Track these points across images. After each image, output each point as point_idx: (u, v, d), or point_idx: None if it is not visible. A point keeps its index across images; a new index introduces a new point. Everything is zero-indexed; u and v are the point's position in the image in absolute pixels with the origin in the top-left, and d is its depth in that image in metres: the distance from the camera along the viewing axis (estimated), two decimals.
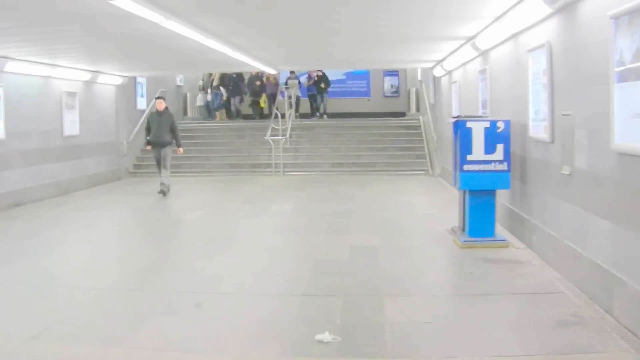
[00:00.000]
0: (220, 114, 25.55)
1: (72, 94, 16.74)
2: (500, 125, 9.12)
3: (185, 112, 26.48)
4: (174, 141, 15.35)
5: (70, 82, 16.68)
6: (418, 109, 25.01)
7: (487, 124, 9.15)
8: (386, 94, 27.53)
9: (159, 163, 15.40)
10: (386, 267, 8.18)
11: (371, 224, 11.30)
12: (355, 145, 21.13)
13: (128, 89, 20.24)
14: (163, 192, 15.13)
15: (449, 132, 16.99)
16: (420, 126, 21.83)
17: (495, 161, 9.09)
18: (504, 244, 9.19)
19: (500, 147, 9.10)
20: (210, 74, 25.24)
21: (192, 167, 20.41)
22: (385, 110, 25.97)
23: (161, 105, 15.26)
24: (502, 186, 9.26)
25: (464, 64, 14.59)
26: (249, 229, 11.22)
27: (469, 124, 9.17)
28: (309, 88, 24.80)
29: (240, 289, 7.39)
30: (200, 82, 26.12)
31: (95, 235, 10.82)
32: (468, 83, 14.20)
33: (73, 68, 16.38)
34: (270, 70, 19.58)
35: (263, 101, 25.23)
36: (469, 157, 9.11)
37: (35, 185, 14.99)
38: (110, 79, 18.73)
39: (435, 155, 19.72)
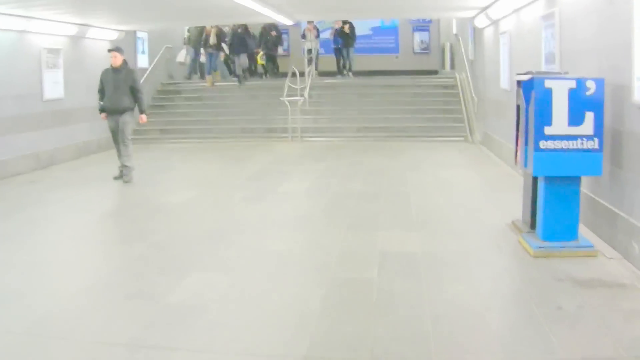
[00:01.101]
0: (211, 78, 20.57)
1: (54, 51, 14.18)
2: (591, 86, 6.38)
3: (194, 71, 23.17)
4: (136, 106, 11.85)
5: (51, 38, 14.09)
6: (453, 66, 22.20)
7: (573, 84, 6.40)
8: (416, 51, 24.94)
9: (115, 137, 11.75)
10: (434, 296, 5.51)
11: (407, 214, 8.67)
12: (384, 106, 18.40)
13: (126, 46, 17.55)
14: (124, 178, 11.40)
15: (496, 93, 14.53)
16: (456, 85, 19.06)
17: (582, 136, 6.36)
18: (590, 251, 6.52)
19: (589, 117, 6.34)
20: (203, 30, 20.77)
21: (199, 131, 17.86)
22: (414, 68, 23.24)
23: (117, 59, 11.56)
24: (592, 171, 6.52)
25: (517, 9, 11.81)
26: (247, 220, 8.59)
27: (548, 84, 6.40)
28: (334, 40, 21.84)
29: (209, 342, 4.72)
30: (186, 34, 21.50)
31: (45, 232, 8.23)
32: (524, 33, 11.43)
33: (54, 21, 13.81)
34: (285, 21, 16.83)
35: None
36: (548, 131, 6.37)
37: (6, 158, 12.55)
38: (103, 33, 16.12)
39: (474, 119, 17.01)
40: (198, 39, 20.73)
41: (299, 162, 13.59)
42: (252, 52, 21.05)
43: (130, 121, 11.91)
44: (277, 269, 6.44)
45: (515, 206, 7.92)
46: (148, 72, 18.68)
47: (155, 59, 19.37)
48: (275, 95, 18.19)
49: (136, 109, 11.94)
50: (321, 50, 22.21)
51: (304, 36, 21.13)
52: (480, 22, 15.43)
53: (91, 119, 15.76)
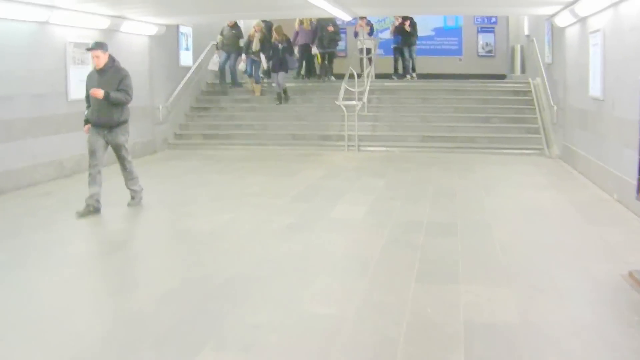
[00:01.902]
0: (254, 86, 18.00)
1: (81, 46, 12.49)
2: None
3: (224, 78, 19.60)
4: (125, 119, 9.42)
5: (79, 30, 12.42)
6: (524, 70, 20.02)
7: None
8: (480, 53, 22.82)
9: (94, 157, 9.07)
10: None
11: (492, 258, 6.63)
12: (449, 113, 16.33)
13: (167, 41, 15.88)
14: (131, 202, 9.34)
15: (582, 101, 12.38)
16: (530, 91, 16.89)
17: None
18: None
19: None
20: (240, 34, 18.16)
21: (245, 137, 16.02)
22: (479, 71, 21.12)
23: (99, 59, 8.90)
24: None
25: (615, 3, 9.72)
26: (287, 262, 6.64)
27: None
28: (393, 38, 19.66)
29: None
30: (218, 38, 17.96)
31: (34, 270, 6.47)
32: (623, 31, 9.36)
33: (82, 12, 12.14)
34: (343, 15, 14.87)
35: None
36: None
37: (23, 166, 10.91)
38: (141, 27, 14.41)
39: (552, 130, 14.87)
40: (234, 41, 17.83)
41: (355, 177, 11.63)
42: (290, 69, 17.93)
43: (124, 141, 9.42)
44: (322, 349, 4.49)
45: (626, 249, 6.13)
46: (192, 71, 16.91)
47: (201, 57, 17.59)
48: (330, 98, 16.29)
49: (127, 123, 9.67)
50: (380, 52, 20.13)
51: (356, 34, 18.89)
52: (561, 20, 13.31)
53: None
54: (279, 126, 16.27)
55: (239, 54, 17.83)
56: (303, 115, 16.63)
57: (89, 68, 12.60)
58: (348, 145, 15.15)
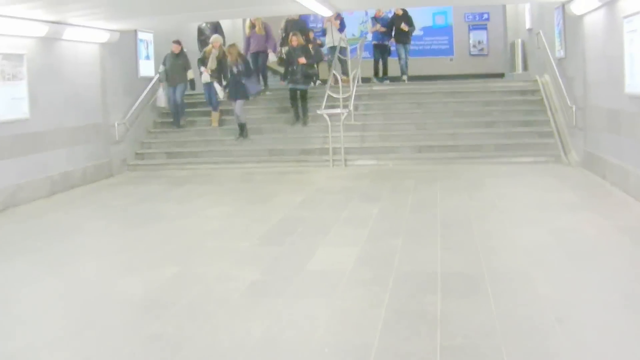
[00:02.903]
0: (218, 114, 14.63)
1: (13, 58, 10.21)
2: None
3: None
4: None
5: (8, 40, 10.11)
6: (526, 68, 17.73)
7: None
8: (473, 53, 21.26)
9: None
10: None
11: (546, 337, 4.31)
12: (448, 119, 13.96)
13: (123, 49, 13.51)
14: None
15: (614, 100, 10.02)
16: (539, 90, 14.57)
17: None
18: None
19: None
20: (204, 51, 14.84)
21: (214, 154, 13.64)
22: (472, 71, 19.37)
23: None
24: None
25: None
26: (244, 355, 4.33)
27: None
28: (373, 34, 17.56)
29: None
30: (161, 69, 14.59)
31: None
32: None
33: (11, 17, 9.89)
34: (323, 11, 12.49)
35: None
36: None
37: None
38: (89, 34, 12.06)
39: (568, 134, 12.57)
40: (179, 72, 14.33)
41: (342, 203, 9.23)
42: (249, 97, 14.15)
43: None
44: None
45: None
46: (154, 82, 14.54)
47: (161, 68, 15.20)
48: (311, 107, 13.93)
49: None
50: (365, 54, 17.71)
51: (324, 32, 16.51)
52: (579, 6, 11.08)
53: (72, 144, 11.80)
54: (254, 141, 13.88)
55: (186, 87, 14.51)
56: (280, 127, 14.25)
57: (22, 84, 10.43)
58: (333, 160, 12.81)
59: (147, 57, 14.57)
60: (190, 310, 5.14)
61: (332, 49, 16.03)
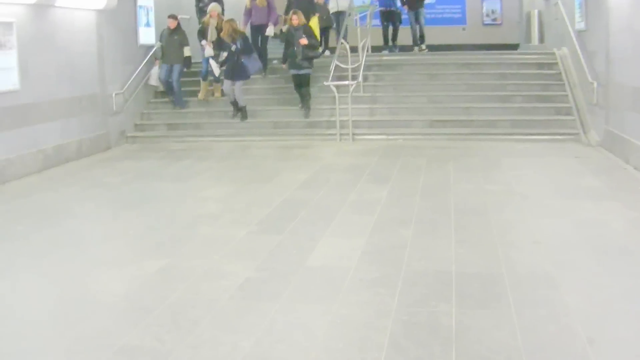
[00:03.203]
0: (205, 85, 13.91)
1: (1, 26, 9.58)
2: None
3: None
4: None
5: None
6: (542, 40, 16.93)
7: None
8: (486, 22, 20.67)
9: None
10: None
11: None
12: (461, 92, 13.24)
13: (122, 17, 12.80)
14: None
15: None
16: (556, 63, 13.81)
17: None
18: None
19: None
20: (203, 21, 14.02)
21: (217, 127, 13.02)
22: (485, 41, 18.85)
23: None
24: None
25: None
26: None
27: None
28: (382, 0, 16.45)
29: None
30: (157, 44, 13.84)
31: None
32: None
33: None
34: None
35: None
36: None
37: None
38: (85, 1, 11.41)
39: (588, 111, 11.86)
40: (175, 50, 13.41)
41: (348, 183, 8.59)
42: (249, 76, 12.99)
43: None
44: None
45: None
46: (154, 50, 13.85)
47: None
48: (319, 77, 13.23)
49: None
50: (375, 22, 16.89)
51: None
52: None
53: (66, 115, 11.19)
54: (258, 112, 13.21)
55: (184, 67, 13.61)
56: (286, 99, 13.56)
57: (11, 54, 9.81)
58: (341, 135, 12.16)
59: (148, 25, 13.85)
60: (173, 316, 4.54)
61: (337, 14, 15.21)
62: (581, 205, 7.19)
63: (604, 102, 10.90)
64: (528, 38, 17.94)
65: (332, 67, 12.53)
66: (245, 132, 12.61)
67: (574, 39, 12.60)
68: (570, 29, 12.96)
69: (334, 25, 15.25)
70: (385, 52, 16.02)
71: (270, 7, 14.12)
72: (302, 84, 12.83)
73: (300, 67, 12.63)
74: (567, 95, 12.71)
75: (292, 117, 13.04)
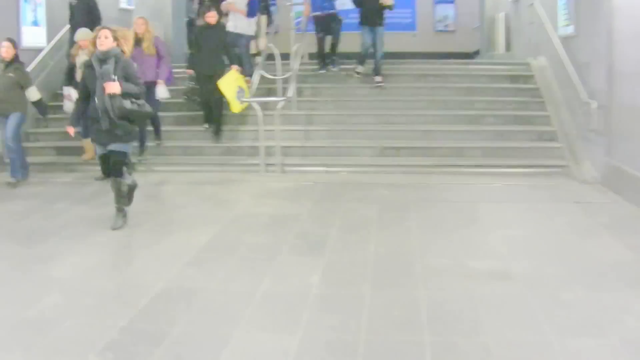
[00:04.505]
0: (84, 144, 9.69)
1: None
2: None
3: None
4: None
5: None
6: (509, 47, 14.39)
7: None
8: (438, 28, 19.46)
9: None
10: None
11: None
12: (420, 111, 10.58)
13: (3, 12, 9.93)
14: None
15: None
16: (532, 76, 11.27)
17: None
18: None
19: None
20: (69, 56, 9.94)
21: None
22: (438, 49, 17.44)
23: None
24: None
25: None
26: None
27: None
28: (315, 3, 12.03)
29: None
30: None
31: None
32: None
33: None
34: None
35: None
36: None
37: None
38: None
39: (579, 137, 9.30)
40: (8, 92, 8.87)
41: (263, 256, 5.68)
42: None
43: None
44: None
45: None
46: (43, 54, 10.90)
47: (60, 34, 11.50)
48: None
49: None
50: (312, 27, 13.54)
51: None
52: None
53: None
54: (163, 134, 10.31)
55: (23, 118, 9.09)
56: (193, 117, 10.66)
57: None
58: (266, 166, 9.37)
59: (35, 23, 10.91)
60: None
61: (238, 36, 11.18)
62: (619, 304, 4.52)
63: (605, 128, 8.35)
64: (494, 45, 15.40)
65: (256, 79, 9.72)
66: (145, 160, 9.71)
67: (558, 46, 10.05)
68: (551, 34, 10.40)
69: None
70: (322, 71, 11.92)
71: (160, 55, 9.59)
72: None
73: (109, 139, 6.60)
74: (548, 116, 10.19)
75: (206, 140, 10.19)
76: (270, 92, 10.53)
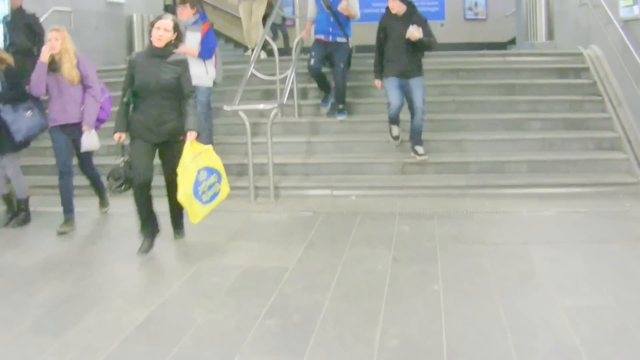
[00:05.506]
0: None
1: None
2: None
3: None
4: None
5: None
6: (551, 35, 12.27)
7: None
8: (468, 17, 17.65)
9: None
10: None
11: None
12: (449, 115, 8.60)
13: None
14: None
15: None
16: (588, 69, 9.20)
17: None
18: None
19: None
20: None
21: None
22: (468, 40, 15.97)
23: None
24: None
25: None
26: None
27: None
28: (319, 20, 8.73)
29: None
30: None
31: None
32: None
33: None
34: None
35: None
36: None
37: None
38: None
39: None
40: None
41: (214, 346, 3.80)
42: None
43: None
44: None
45: None
46: None
47: None
48: (226, 92, 8.49)
49: None
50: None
51: None
52: None
53: None
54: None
55: None
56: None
57: None
58: (256, 190, 7.41)
59: None
60: None
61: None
62: None
63: None
64: (531, 33, 13.31)
65: (242, 85, 7.77)
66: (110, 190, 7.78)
67: (622, 32, 7.99)
68: (610, 17, 8.34)
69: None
70: (324, 109, 8.93)
71: (85, 85, 6.37)
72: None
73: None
74: (610, 119, 8.13)
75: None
76: (269, 94, 8.61)
